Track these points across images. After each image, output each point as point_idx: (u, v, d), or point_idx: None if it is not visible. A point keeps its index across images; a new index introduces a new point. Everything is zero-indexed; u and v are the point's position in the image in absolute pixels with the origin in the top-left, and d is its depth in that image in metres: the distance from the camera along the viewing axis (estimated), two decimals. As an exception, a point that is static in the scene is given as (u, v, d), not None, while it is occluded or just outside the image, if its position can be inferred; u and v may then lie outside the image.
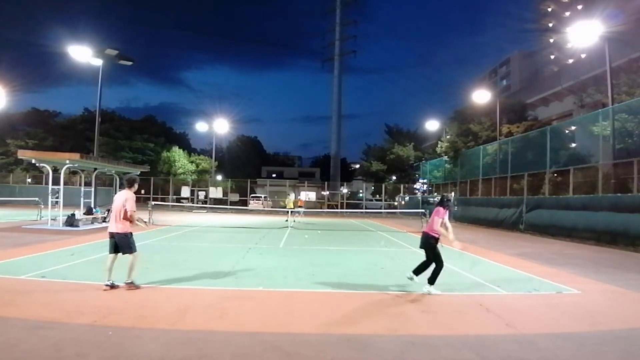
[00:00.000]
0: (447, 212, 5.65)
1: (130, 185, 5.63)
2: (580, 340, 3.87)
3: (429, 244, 5.58)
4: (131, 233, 5.53)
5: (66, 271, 6.38)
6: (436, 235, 5.55)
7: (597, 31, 14.80)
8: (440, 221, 5.52)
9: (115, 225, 5.41)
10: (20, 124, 42.50)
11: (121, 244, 5.41)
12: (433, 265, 5.58)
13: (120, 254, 5.43)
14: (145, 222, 5.35)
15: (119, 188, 21.73)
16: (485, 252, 10.25)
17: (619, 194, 12.95)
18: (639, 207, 11.60)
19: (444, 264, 5.60)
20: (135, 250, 5.47)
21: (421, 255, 5.86)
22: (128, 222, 5.47)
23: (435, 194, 28.03)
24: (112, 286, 5.27)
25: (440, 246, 5.60)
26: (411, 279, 5.77)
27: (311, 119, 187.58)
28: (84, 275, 6.06)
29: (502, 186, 20.89)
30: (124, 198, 5.45)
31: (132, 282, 5.37)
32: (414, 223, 20.74)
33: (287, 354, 3.35)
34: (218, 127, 39.03)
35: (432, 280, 5.49)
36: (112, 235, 5.46)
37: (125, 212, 5.39)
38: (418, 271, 5.74)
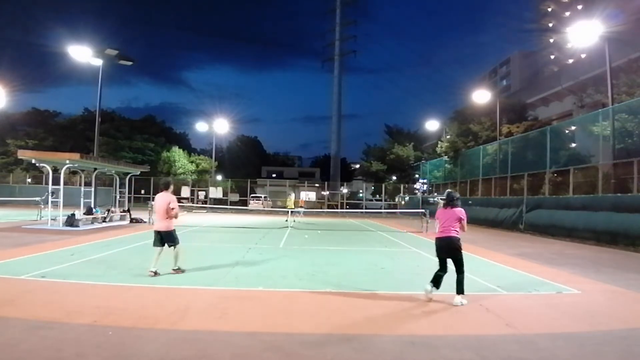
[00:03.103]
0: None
1: (166, 188, 6.51)
2: (580, 340, 3.87)
3: (457, 247, 5.11)
4: (174, 229, 6.44)
5: (66, 271, 6.38)
6: (460, 237, 5.19)
7: (597, 31, 14.79)
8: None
9: (161, 224, 6.31)
10: (20, 124, 42.50)
11: (167, 239, 6.33)
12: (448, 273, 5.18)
13: (165, 247, 6.33)
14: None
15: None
16: (485, 252, 10.25)
17: (619, 194, 12.95)
18: (639, 207, 11.60)
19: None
20: (178, 243, 6.44)
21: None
22: (171, 220, 6.35)
23: (436, 194, 28.01)
24: (156, 273, 6.11)
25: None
26: (430, 291, 5.14)
27: (311, 119, 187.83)
28: (84, 275, 6.06)
29: (502, 186, 20.89)
30: (167, 200, 6.30)
31: (178, 268, 6.36)
32: (414, 223, 20.73)
33: (287, 354, 3.35)
34: (218, 127, 39.01)
35: (461, 290, 5.00)
36: (159, 232, 6.33)
37: (170, 211, 6.24)
38: (438, 283, 5.15)
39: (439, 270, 5.23)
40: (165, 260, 6.36)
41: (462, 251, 5.20)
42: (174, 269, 6.36)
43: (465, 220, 5.25)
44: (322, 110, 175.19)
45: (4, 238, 10.26)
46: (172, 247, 6.36)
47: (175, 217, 6.36)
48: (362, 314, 4.55)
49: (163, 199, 6.33)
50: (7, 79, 27.56)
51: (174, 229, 6.44)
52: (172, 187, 6.61)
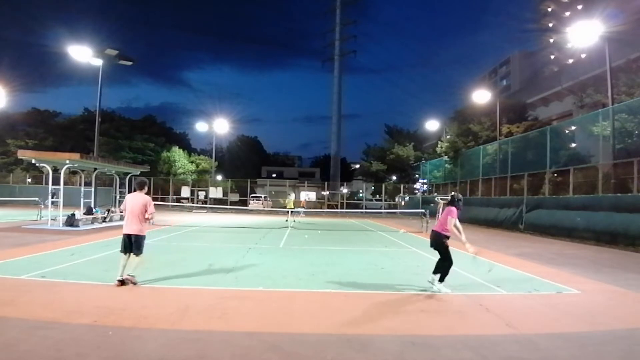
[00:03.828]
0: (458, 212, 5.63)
1: (141, 188, 5.94)
2: (580, 340, 3.87)
3: (441, 242, 5.60)
4: (145, 235, 5.86)
5: (66, 271, 6.38)
6: (448, 234, 5.60)
7: (597, 31, 14.79)
8: (453, 221, 5.55)
9: (135, 227, 5.65)
10: (20, 124, 42.47)
11: (136, 244, 5.65)
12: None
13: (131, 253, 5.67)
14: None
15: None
16: (485, 252, 10.23)
17: (619, 194, 12.95)
18: (639, 207, 11.60)
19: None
20: (142, 252, 5.76)
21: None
22: (145, 224, 5.79)
23: (436, 194, 28.02)
24: (123, 282, 5.51)
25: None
26: (432, 281, 5.69)
27: (311, 119, 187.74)
28: (84, 275, 6.06)
29: (502, 186, 20.89)
30: (144, 201, 5.74)
31: (134, 277, 5.62)
32: (414, 223, 20.74)
33: (287, 354, 3.35)
34: (218, 127, 39.01)
35: (442, 278, 5.55)
36: (129, 236, 5.64)
37: (145, 214, 5.72)
38: (437, 270, 5.72)
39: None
40: (148, 266, 6.19)
41: (451, 247, 5.63)
42: (129, 275, 5.57)
43: (452, 219, 5.55)
44: (322, 110, 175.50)
45: (4, 238, 10.26)
46: (136, 255, 5.62)
47: (151, 218, 5.90)
48: (362, 314, 4.55)
49: (138, 200, 5.72)
50: (7, 79, 27.56)
51: (145, 235, 5.86)
52: (146, 187, 6.07)
